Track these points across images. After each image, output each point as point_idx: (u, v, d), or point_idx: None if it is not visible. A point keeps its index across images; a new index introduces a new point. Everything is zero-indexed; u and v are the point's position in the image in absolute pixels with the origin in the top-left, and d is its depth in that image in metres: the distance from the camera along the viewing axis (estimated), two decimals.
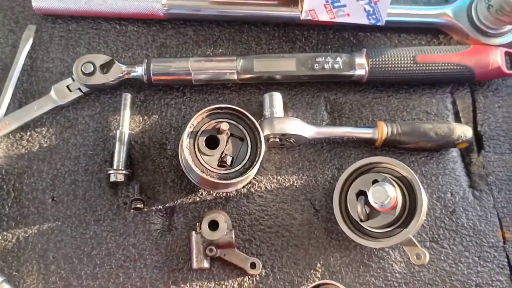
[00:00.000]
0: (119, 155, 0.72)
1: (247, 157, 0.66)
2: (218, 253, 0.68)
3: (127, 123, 0.74)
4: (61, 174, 0.73)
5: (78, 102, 0.76)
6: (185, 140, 0.65)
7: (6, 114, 0.74)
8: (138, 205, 0.70)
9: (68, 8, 0.77)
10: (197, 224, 0.69)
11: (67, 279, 0.69)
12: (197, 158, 0.65)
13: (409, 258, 0.68)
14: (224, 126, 0.65)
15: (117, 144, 0.72)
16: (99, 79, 0.74)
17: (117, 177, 0.71)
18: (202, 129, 0.66)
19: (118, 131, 0.73)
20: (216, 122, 0.67)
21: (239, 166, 0.66)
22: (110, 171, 0.71)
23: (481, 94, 0.78)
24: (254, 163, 0.65)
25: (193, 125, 0.66)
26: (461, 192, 0.73)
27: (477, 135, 0.76)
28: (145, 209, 0.72)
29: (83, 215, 0.71)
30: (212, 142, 0.66)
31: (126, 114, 0.74)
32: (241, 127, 0.67)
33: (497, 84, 0.78)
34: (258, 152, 0.66)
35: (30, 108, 0.74)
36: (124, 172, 0.71)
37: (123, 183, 0.72)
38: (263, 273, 0.70)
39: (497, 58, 0.74)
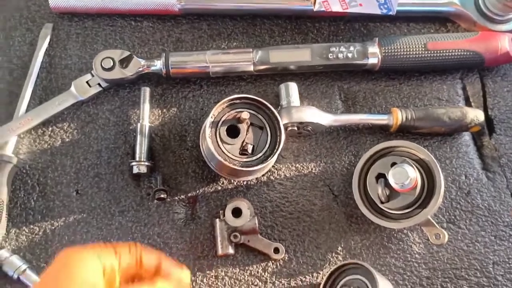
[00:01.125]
0: (141, 147, 0.73)
1: (267, 145, 0.68)
2: (242, 239, 0.70)
3: (147, 116, 0.75)
4: (84, 168, 0.74)
5: (97, 97, 0.77)
6: (207, 130, 0.67)
7: (27, 110, 0.76)
8: (162, 195, 0.72)
9: (84, 5, 0.79)
10: (221, 211, 0.70)
11: None
12: (219, 147, 0.67)
13: (427, 239, 0.70)
14: (245, 115, 0.67)
15: (138, 136, 0.74)
16: (118, 73, 0.75)
17: (140, 168, 0.72)
18: (223, 119, 0.68)
19: (138, 124, 0.74)
20: (236, 112, 0.68)
21: (260, 154, 0.68)
22: (133, 163, 0.72)
23: (490, 79, 0.80)
24: (275, 151, 0.67)
25: (214, 115, 0.68)
26: (475, 174, 0.75)
27: (488, 119, 0.78)
28: (168, 199, 0.73)
29: (108, 207, 0.73)
30: (233, 132, 0.68)
31: (146, 107, 0.75)
32: (260, 116, 0.69)
33: (505, 69, 0.80)
34: (278, 140, 0.67)
35: (51, 104, 0.75)
36: (146, 163, 0.72)
37: (146, 174, 0.73)
38: (287, 258, 0.71)
39: (505, 44, 0.76)
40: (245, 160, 0.67)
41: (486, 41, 0.76)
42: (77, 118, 0.77)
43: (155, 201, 0.73)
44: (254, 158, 0.67)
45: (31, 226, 0.72)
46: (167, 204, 0.73)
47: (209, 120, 0.67)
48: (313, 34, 0.81)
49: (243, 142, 0.68)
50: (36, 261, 0.71)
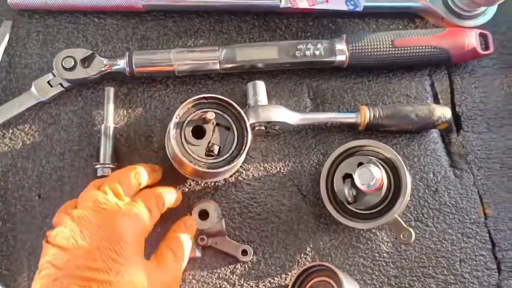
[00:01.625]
0: (105, 149, 0.71)
1: (233, 146, 0.67)
2: (209, 242, 0.69)
3: (111, 117, 0.73)
4: (47, 171, 0.72)
5: (60, 97, 0.75)
6: (172, 131, 0.65)
7: None
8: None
9: (44, 2, 0.76)
10: (187, 214, 0.69)
11: None
12: (185, 148, 0.66)
13: (395, 238, 0.70)
14: (210, 115, 0.66)
15: (103, 138, 0.72)
16: (80, 73, 0.73)
17: (104, 171, 0.70)
18: (188, 119, 0.67)
19: (102, 126, 0.72)
20: (201, 112, 0.67)
21: (227, 155, 0.66)
22: (97, 166, 0.71)
23: (458, 75, 0.80)
24: (241, 151, 0.66)
25: (179, 115, 0.66)
26: (443, 172, 0.75)
27: (455, 115, 0.78)
28: None
29: None
30: (199, 132, 0.67)
31: (110, 108, 0.73)
32: (226, 116, 0.68)
33: (473, 66, 0.80)
34: (245, 140, 0.66)
35: (11, 105, 0.73)
36: (111, 166, 0.71)
37: None
38: (255, 259, 0.71)
39: (472, 40, 0.76)
40: (211, 161, 0.66)
41: (453, 38, 0.76)
42: (39, 120, 0.74)
43: None
44: (220, 159, 0.66)
45: None
46: None
47: (173, 121, 0.65)
48: (281, 31, 0.80)
49: (209, 143, 0.66)
50: None
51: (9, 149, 0.73)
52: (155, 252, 0.64)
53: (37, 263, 0.68)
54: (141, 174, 0.65)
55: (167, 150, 0.70)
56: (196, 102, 0.67)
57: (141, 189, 0.65)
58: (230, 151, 0.67)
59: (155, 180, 0.69)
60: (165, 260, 0.62)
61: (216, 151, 0.66)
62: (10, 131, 0.74)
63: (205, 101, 0.67)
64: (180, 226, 0.67)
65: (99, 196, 0.60)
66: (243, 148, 0.66)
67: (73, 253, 0.55)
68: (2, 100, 0.74)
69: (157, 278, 0.60)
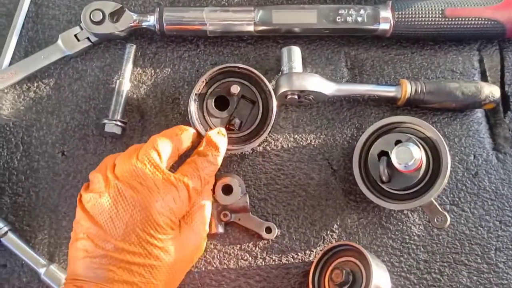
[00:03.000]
0: (116, 106, 0.68)
1: (257, 122, 0.63)
2: (232, 218, 0.67)
3: (128, 75, 0.70)
4: (71, 128, 0.70)
5: (86, 52, 0.72)
6: (193, 98, 0.62)
7: (11, 63, 0.71)
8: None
9: None
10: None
11: None
12: (205, 119, 0.63)
13: (428, 221, 0.67)
14: (234, 89, 0.62)
15: (115, 94, 0.69)
16: (109, 28, 0.70)
17: (111, 127, 0.67)
18: (212, 88, 0.64)
19: (117, 81, 0.69)
20: (227, 81, 0.63)
21: (248, 131, 0.63)
22: (105, 121, 0.68)
23: (511, 52, 0.74)
24: (263, 130, 0.62)
25: (203, 82, 0.63)
26: (485, 155, 0.70)
27: (504, 95, 0.72)
28: None
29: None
30: (222, 102, 0.64)
31: (128, 65, 0.70)
32: (254, 88, 0.64)
33: None
34: (269, 118, 0.63)
35: (36, 58, 0.70)
36: (118, 123, 0.68)
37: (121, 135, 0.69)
38: (279, 233, 0.68)
39: None
40: (230, 135, 0.63)
41: (510, 10, 0.70)
42: (65, 74, 0.72)
43: None
44: (240, 134, 0.63)
45: (14, 187, 0.69)
46: None
47: (196, 87, 0.62)
48: None
49: (231, 115, 0.63)
50: (19, 223, 0.68)
51: (33, 103, 0.71)
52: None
53: (58, 220, 0.68)
54: (182, 142, 0.60)
55: (188, 115, 0.67)
56: (222, 70, 0.63)
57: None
58: (252, 127, 0.63)
59: (194, 145, 0.63)
60: (192, 227, 0.60)
61: (237, 126, 0.63)
62: (35, 84, 0.72)
63: (232, 70, 0.64)
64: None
65: (137, 168, 0.56)
66: (266, 126, 0.62)
67: (110, 233, 0.54)
68: (28, 52, 0.72)
69: (186, 248, 0.59)
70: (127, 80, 0.70)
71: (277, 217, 0.69)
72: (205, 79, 0.63)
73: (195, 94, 0.62)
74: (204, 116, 0.63)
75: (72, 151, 0.70)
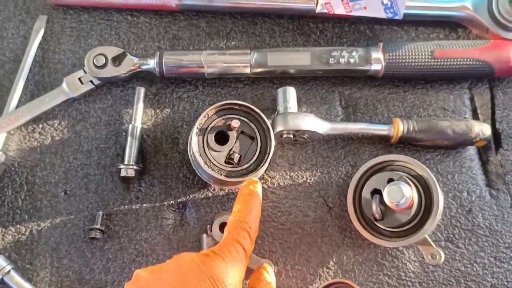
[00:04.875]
0: (131, 150, 0.71)
1: (255, 157, 0.65)
2: None
3: (139, 118, 0.73)
4: (74, 168, 0.73)
5: (90, 94, 0.75)
6: (194, 133, 0.64)
7: (18, 106, 0.74)
8: (97, 235, 0.69)
9: None
10: (208, 226, 0.68)
11: (79, 273, 0.69)
12: (205, 153, 0.65)
13: (423, 258, 0.67)
14: (235, 123, 0.64)
15: (129, 138, 0.71)
16: (111, 71, 0.73)
17: (127, 172, 0.70)
18: (213, 124, 0.66)
19: (130, 126, 0.72)
20: (227, 118, 0.66)
21: (247, 165, 0.65)
22: (121, 166, 0.70)
23: (500, 90, 0.76)
24: (261, 164, 0.64)
25: (207, 115, 0.65)
26: (478, 191, 0.72)
27: (495, 132, 0.74)
28: (157, 204, 0.71)
29: (96, 209, 0.71)
30: (222, 138, 0.66)
31: (139, 108, 0.73)
32: (252, 125, 0.66)
33: None
34: (267, 153, 0.65)
35: (42, 100, 0.73)
36: (135, 167, 0.70)
37: (135, 178, 0.71)
38: (276, 270, 0.69)
39: None
40: (229, 169, 0.65)
41: (498, 51, 0.72)
42: (68, 116, 0.75)
43: (95, 235, 0.69)
44: (239, 168, 0.65)
45: (17, 226, 0.71)
46: (156, 209, 0.71)
47: (197, 123, 0.64)
48: (315, 36, 0.78)
49: (230, 150, 0.65)
50: (21, 262, 0.70)
51: (38, 144, 0.74)
52: None
53: (60, 259, 0.69)
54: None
55: (189, 153, 0.69)
56: (223, 107, 0.66)
57: None
58: (251, 161, 0.65)
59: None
60: None
61: (236, 160, 0.65)
62: (40, 126, 0.74)
63: (232, 107, 0.66)
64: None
65: None
66: (264, 160, 0.64)
67: None
68: (34, 95, 0.75)
69: None
70: (139, 122, 0.72)
71: (274, 254, 0.70)
72: (207, 114, 0.65)
73: (197, 128, 0.64)
74: (204, 149, 0.65)
75: (74, 190, 0.72)
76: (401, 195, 0.61)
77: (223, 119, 0.66)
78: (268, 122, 0.65)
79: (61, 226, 0.71)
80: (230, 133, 0.65)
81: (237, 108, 0.66)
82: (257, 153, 0.65)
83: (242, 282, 0.55)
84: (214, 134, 0.65)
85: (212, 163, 0.64)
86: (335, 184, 0.72)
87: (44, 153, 0.73)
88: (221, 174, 0.64)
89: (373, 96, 0.76)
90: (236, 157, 0.64)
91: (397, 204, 0.61)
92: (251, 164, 0.65)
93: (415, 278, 0.69)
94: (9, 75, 0.76)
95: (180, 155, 0.73)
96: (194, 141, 0.64)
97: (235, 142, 0.65)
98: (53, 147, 0.74)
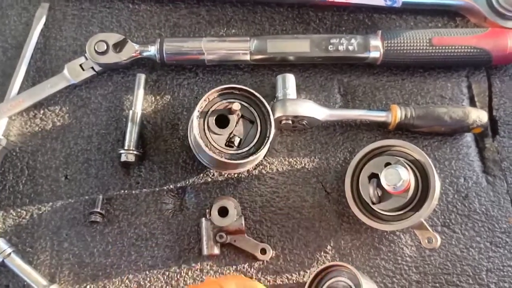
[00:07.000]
0: (131, 136, 0.72)
1: (255, 140, 0.66)
2: (228, 239, 0.68)
3: (140, 104, 0.73)
4: (74, 153, 0.73)
5: (91, 81, 0.76)
6: (196, 116, 0.64)
7: (19, 92, 0.75)
8: (97, 219, 0.69)
9: None
10: (207, 210, 0.69)
11: (79, 256, 0.70)
12: (206, 136, 0.65)
13: (420, 242, 0.68)
14: (236, 106, 0.65)
15: (129, 124, 0.72)
16: (112, 58, 0.73)
17: (127, 157, 0.71)
18: (214, 107, 0.66)
19: (130, 111, 0.73)
20: (228, 102, 0.66)
21: (247, 148, 0.66)
22: (121, 151, 0.71)
23: (498, 78, 0.76)
24: (262, 147, 0.65)
25: (205, 101, 0.66)
26: (475, 177, 0.72)
27: (492, 120, 0.75)
28: (157, 189, 0.72)
29: (96, 194, 0.72)
30: (222, 122, 0.66)
31: (139, 94, 0.74)
32: (252, 109, 0.67)
33: None
34: (267, 136, 0.65)
35: (43, 86, 0.74)
36: (135, 152, 0.71)
37: (135, 163, 0.72)
38: (274, 255, 0.70)
39: None
40: (230, 152, 0.65)
41: (495, 39, 0.73)
42: (69, 102, 0.75)
43: (95, 218, 0.70)
44: (240, 151, 0.66)
45: (18, 210, 0.71)
46: (156, 194, 0.72)
47: (199, 106, 0.65)
48: (315, 24, 0.79)
49: (230, 133, 0.66)
50: (22, 245, 0.70)
51: (39, 129, 0.74)
52: None
53: (60, 242, 0.70)
54: None
55: (189, 137, 0.70)
56: (224, 91, 0.66)
57: None
58: (251, 145, 0.66)
59: None
60: None
61: (236, 143, 0.65)
62: (42, 111, 0.75)
63: (233, 91, 0.67)
64: None
65: None
66: (264, 143, 0.65)
67: None
68: (36, 81, 0.76)
69: None
70: (139, 108, 0.73)
71: (272, 239, 0.70)
72: (208, 98, 0.66)
73: (198, 111, 0.65)
74: (205, 132, 0.65)
75: (74, 175, 0.73)
76: (398, 177, 0.61)
77: (223, 103, 0.66)
78: (268, 106, 0.66)
79: (61, 210, 0.71)
80: (230, 116, 0.66)
81: (238, 92, 0.67)
82: (257, 136, 0.66)
83: None
84: (215, 118, 0.66)
85: (213, 145, 0.65)
86: (333, 170, 0.73)
87: (45, 138, 0.74)
88: (222, 157, 0.64)
89: (371, 83, 0.76)
90: (236, 140, 0.65)
91: (394, 187, 0.62)
92: (251, 148, 0.65)
93: (412, 262, 0.69)
94: (11, 61, 0.76)
95: (180, 141, 0.74)
96: (195, 123, 0.64)
97: (236, 126, 0.66)
98: (54, 132, 0.74)
